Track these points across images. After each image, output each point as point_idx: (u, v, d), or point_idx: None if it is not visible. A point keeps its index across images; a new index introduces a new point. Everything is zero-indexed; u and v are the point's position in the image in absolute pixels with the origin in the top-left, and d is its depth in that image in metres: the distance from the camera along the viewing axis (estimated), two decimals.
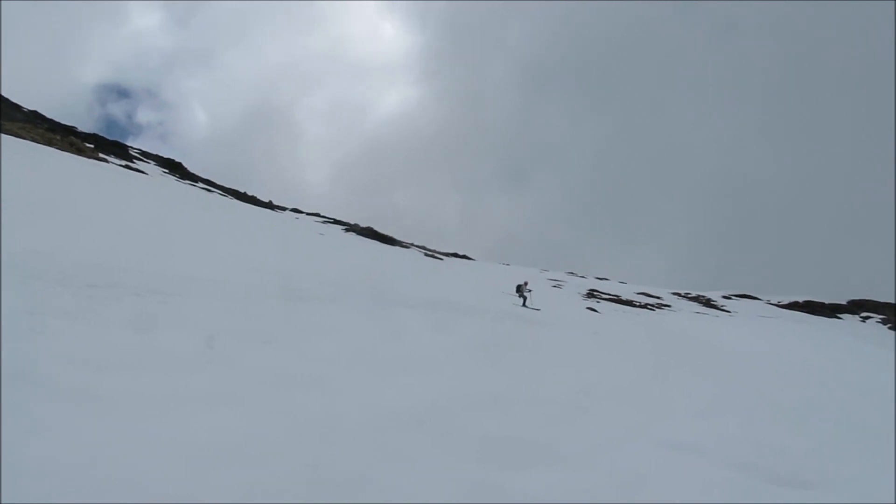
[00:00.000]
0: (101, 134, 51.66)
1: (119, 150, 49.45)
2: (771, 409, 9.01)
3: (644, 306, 43.09)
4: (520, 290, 22.10)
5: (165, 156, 59.20)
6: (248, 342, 5.51)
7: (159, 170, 50.88)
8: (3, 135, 22.99)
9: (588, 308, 32.46)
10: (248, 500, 2.66)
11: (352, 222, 58.98)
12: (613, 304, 41.03)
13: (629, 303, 43.20)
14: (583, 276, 63.20)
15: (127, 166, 41.14)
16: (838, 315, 58.21)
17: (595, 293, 46.16)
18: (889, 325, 54.90)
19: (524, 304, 20.91)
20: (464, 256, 64.78)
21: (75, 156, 29.53)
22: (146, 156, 56.23)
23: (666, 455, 4.78)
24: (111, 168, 32.96)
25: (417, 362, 6.30)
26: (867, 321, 56.52)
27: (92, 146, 42.24)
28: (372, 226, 57.71)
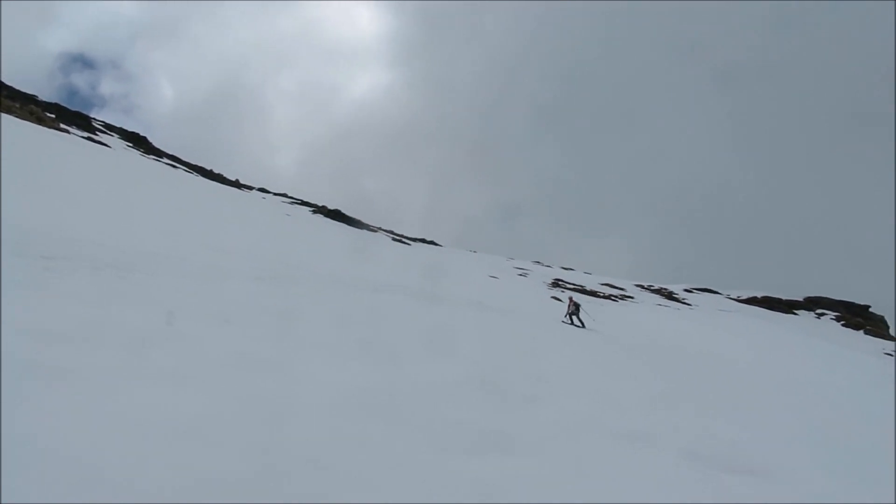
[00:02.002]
0: (63, 104, 50.18)
1: (81, 122, 48.19)
2: (723, 402, 9.23)
3: (608, 297, 43.64)
4: (576, 307, 20.68)
5: (129, 129, 57.86)
6: (207, 321, 5.45)
7: (123, 143, 49.73)
8: None
9: (553, 297, 32.75)
10: (195, 478, 2.64)
11: (319, 205, 58.44)
12: (578, 294, 41.44)
13: (593, 293, 43.70)
14: (548, 266, 63.71)
15: (89, 138, 40.11)
16: (795, 311, 59.71)
17: (560, 283, 46.58)
18: (843, 322, 56.50)
19: (573, 322, 19.68)
20: (431, 242, 64.77)
21: (35, 125, 28.68)
22: (109, 128, 54.89)
23: (618, 443, 4.88)
24: (73, 139, 32.10)
25: (376, 348, 6.31)
26: (822, 318, 58.10)
27: (53, 116, 41.06)
28: (340, 209, 57.28)
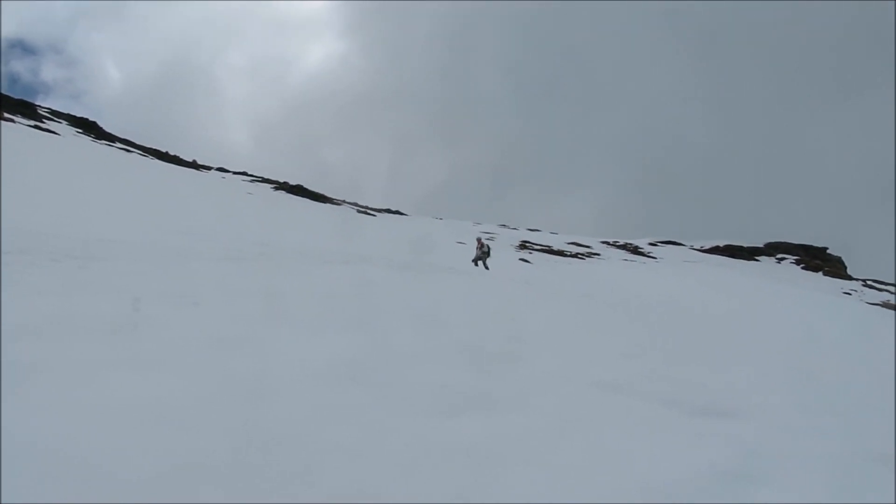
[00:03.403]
0: (4, 93, 48.38)
1: (26, 110, 46.55)
2: (695, 349, 9.46)
3: (575, 255, 44.14)
4: (484, 252, 19.81)
5: (78, 115, 56.10)
6: (174, 305, 5.38)
7: (72, 130, 48.27)
8: None
9: (520, 259, 33.01)
10: (176, 462, 2.62)
11: (281, 181, 57.72)
12: (545, 254, 41.84)
13: (560, 253, 44.17)
14: (515, 229, 64.10)
15: (36, 126, 38.83)
16: (756, 258, 61.20)
17: (527, 244, 46.94)
18: (802, 265, 58.12)
19: (478, 265, 19.18)
20: (397, 212, 64.57)
21: None
22: (57, 115, 53.17)
23: (594, 394, 4.98)
24: (18, 129, 31.02)
25: (348, 318, 6.30)
26: (782, 262, 59.69)
27: None
28: (301, 184, 56.68)
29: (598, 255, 46.90)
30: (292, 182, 56.64)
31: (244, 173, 61.44)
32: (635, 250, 54.86)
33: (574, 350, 7.03)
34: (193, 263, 7.77)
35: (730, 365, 8.22)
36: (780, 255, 61.44)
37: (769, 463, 3.87)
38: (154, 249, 8.11)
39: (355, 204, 59.58)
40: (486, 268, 18.88)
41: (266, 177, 59.54)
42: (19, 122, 37.21)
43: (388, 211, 62.67)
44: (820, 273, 55.50)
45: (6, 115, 37.36)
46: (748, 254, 60.99)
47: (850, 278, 55.07)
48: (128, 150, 47.33)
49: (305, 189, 55.29)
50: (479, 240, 21.78)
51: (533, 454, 3.42)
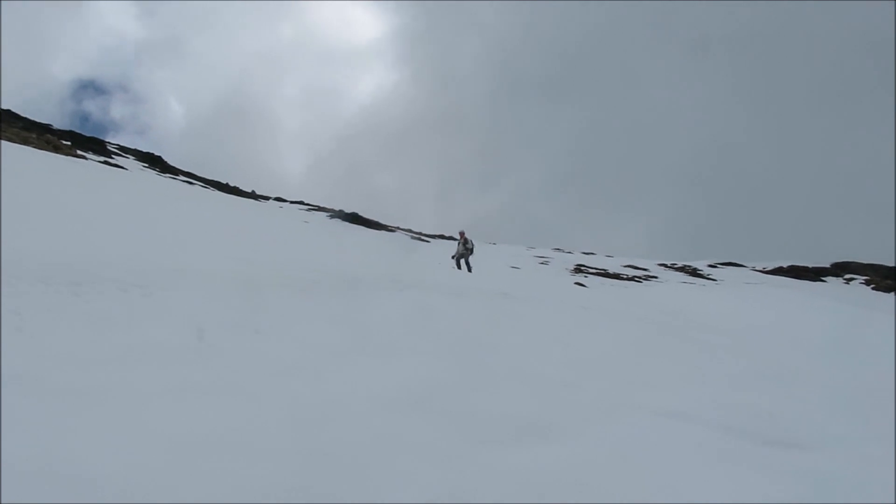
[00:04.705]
0: (77, 131, 50.92)
1: (97, 147, 48.82)
2: (757, 373, 9.13)
3: (632, 279, 43.38)
4: (467, 249, 17.21)
5: (144, 150, 58.55)
6: (237, 332, 5.50)
7: (139, 164, 50.33)
8: None
9: (576, 283, 32.62)
10: (243, 490, 2.66)
11: (336, 208, 58.73)
12: (601, 278, 41.26)
13: (617, 276, 43.46)
14: (569, 252, 63.42)
15: (106, 162, 40.61)
16: (822, 278, 58.94)
17: (582, 268, 46.36)
18: (872, 286, 55.65)
19: (460, 265, 16.44)
20: (450, 237, 64.73)
21: (53, 154, 29.11)
22: (125, 151, 55.57)
23: (654, 422, 4.85)
24: (90, 165, 32.52)
25: (407, 345, 6.32)
26: (851, 283, 57.30)
27: (69, 143, 41.63)
28: (356, 211, 57.53)
29: (655, 277, 45.96)
30: (347, 210, 57.60)
31: (301, 202, 62.84)
32: (694, 272, 53.55)
33: (634, 376, 6.87)
34: (254, 291, 7.94)
35: (799, 391, 7.89)
36: (848, 276, 59.01)
37: (845, 496, 3.69)
38: (216, 278, 8.33)
39: (409, 230, 60.08)
40: (469, 269, 16.37)
41: (322, 205, 60.75)
42: (91, 159, 39.02)
43: (442, 237, 62.93)
44: (892, 294, 53.02)
45: (79, 151, 39.24)
46: (814, 274, 58.79)
47: None
48: (190, 183, 49.02)
49: (360, 216, 56.14)
50: (461, 233, 18.61)
51: (595, 484, 3.35)
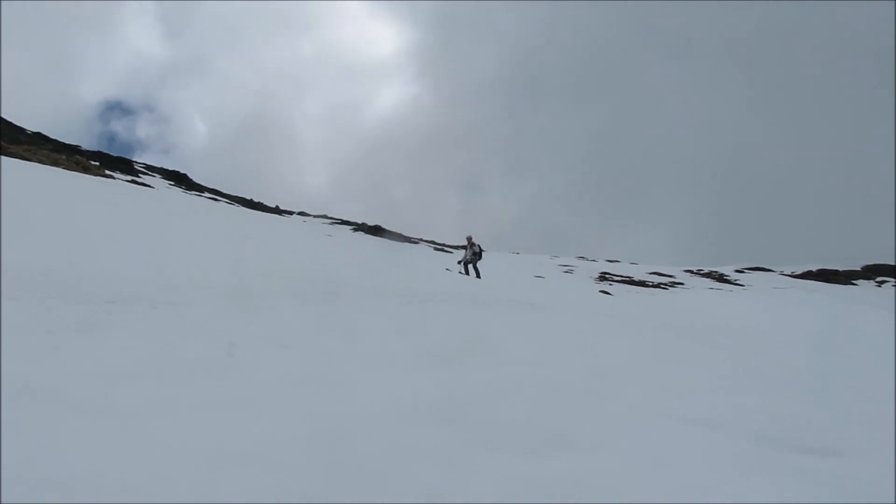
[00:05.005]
0: (105, 151, 52.02)
1: (124, 166, 49.80)
2: (788, 380, 9.01)
3: (657, 286, 42.98)
4: (475, 254, 16.27)
5: (170, 168, 59.60)
6: (265, 347, 5.58)
7: (165, 182, 51.19)
8: (9, 158, 23.18)
9: (601, 291, 32.41)
10: (268, 501, 2.71)
11: (359, 222, 59.12)
12: (626, 285, 40.95)
13: (642, 283, 43.11)
14: (593, 260, 63.08)
15: (133, 181, 41.38)
16: (853, 282, 57.86)
17: (607, 276, 46.08)
18: None
19: (467, 271, 15.51)
20: None
21: (82, 174, 29.72)
22: (151, 169, 56.57)
23: (684, 431, 4.82)
24: (118, 184, 33.15)
25: (429, 356, 6.36)
26: (882, 286, 56.17)
27: (97, 163, 42.47)
28: (379, 223, 57.83)
29: (681, 284, 45.48)
30: (370, 223, 57.95)
31: (324, 216, 63.38)
32: (721, 278, 52.89)
33: (661, 384, 6.83)
34: (282, 306, 8.05)
35: (832, 398, 7.77)
36: (879, 279, 57.87)
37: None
38: (244, 293, 8.45)
39: (432, 242, 60.20)
40: (478, 275, 15.74)
41: (345, 219, 61.21)
42: (119, 178, 39.78)
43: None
44: None
45: (107, 171, 40.01)
46: (844, 278, 57.74)
47: None
48: (216, 199, 49.73)
49: (383, 229, 56.43)
50: (468, 238, 18.23)
51: (621, 494, 3.34)
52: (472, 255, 16.22)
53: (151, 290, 7.22)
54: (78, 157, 39.74)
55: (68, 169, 30.10)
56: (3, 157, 20.85)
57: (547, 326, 11.33)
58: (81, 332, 4.91)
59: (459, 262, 16.92)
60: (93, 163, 41.15)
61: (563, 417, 4.73)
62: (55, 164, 30.35)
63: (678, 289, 42.23)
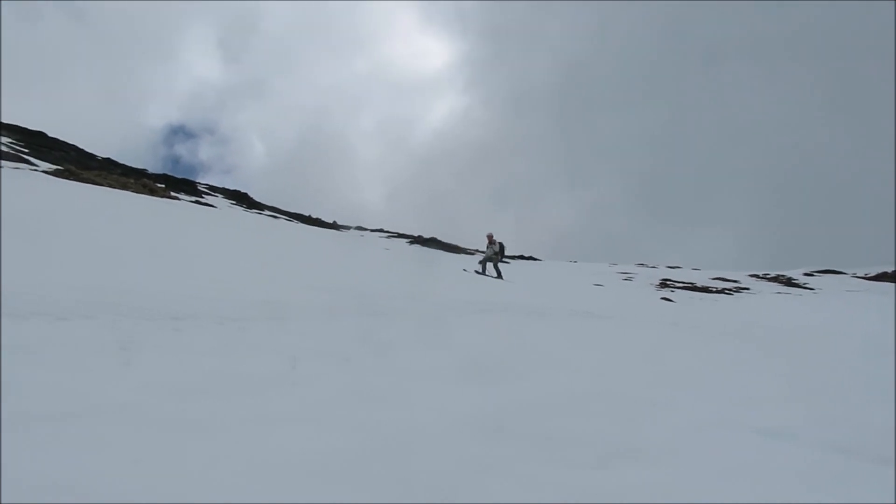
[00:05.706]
0: (170, 174, 54.12)
1: (188, 187, 51.60)
2: (864, 389, 8.60)
3: (721, 291, 41.79)
4: (496, 253, 15.44)
5: (231, 188, 61.40)
6: (327, 361, 5.65)
7: (227, 202, 52.79)
8: (82, 182, 24.30)
9: (663, 298, 31.72)
10: None
11: (415, 234, 59.58)
12: (689, 291, 39.97)
13: (705, 289, 41.98)
14: (654, 267, 61.80)
15: (197, 201, 42.81)
16: None
17: (668, 282, 45.08)
18: None
19: (487, 271, 14.80)
20: (530, 258, 64.41)
21: (149, 196, 30.91)
22: (213, 190, 58.44)
23: (756, 441, 4.65)
24: (183, 205, 34.33)
25: (489, 368, 6.33)
26: None
27: (163, 186, 44.13)
28: (435, 236, 58.17)
29: (747, 289, 44.09)
30: (426, 235, 58.35)
31: (381, 230, 64.16)
32: (789, 282, 51.06)
33: (730, 394, 6.61)
34: (341, 320, 8.15)
35: None
36: None
37: None
38: (306, 308, 8.60)
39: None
40: (499, 274, 15.01)
41: (401, 232, 61.81)
42: (183, 199, 41.24)
43: (522, 257, 62.62)
44: None
45: (172, 193, 41.54)
46: None
47: None
48: (275, 217, 50.93)
49: (439, 241, 56.70)
50: (489, 236, 17.25)
51: None
52: (494, 254, 15.53)
53: (217, 306, 7.43)
54: (145, 180, 41.41)
55: (136, 192, 31.37)
56: (77, 183, 21.86)
57: (608, 336, 11.14)
58: (153, 348, 5.08)
59: (480, 263, 16.22)
60: (159, 185, 42.79)
61: (631, 429, 4.63)
62: (124, 187, 31.66)
63: (743, 294, 40.95)
